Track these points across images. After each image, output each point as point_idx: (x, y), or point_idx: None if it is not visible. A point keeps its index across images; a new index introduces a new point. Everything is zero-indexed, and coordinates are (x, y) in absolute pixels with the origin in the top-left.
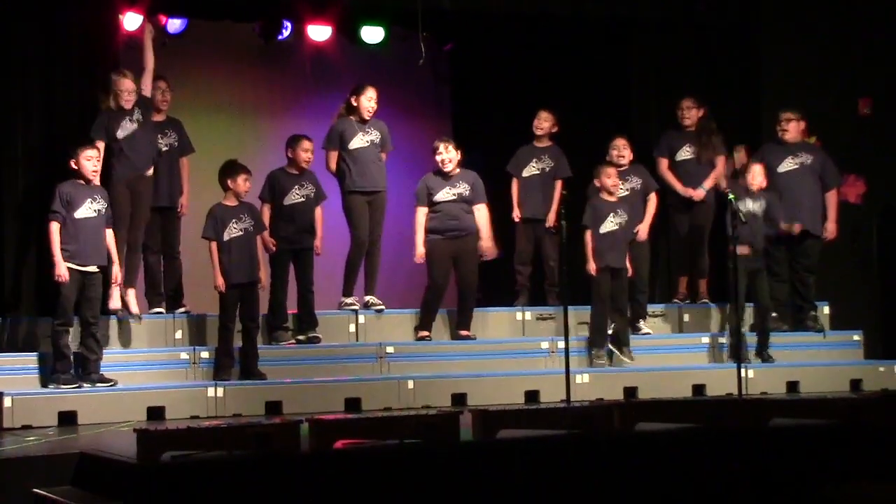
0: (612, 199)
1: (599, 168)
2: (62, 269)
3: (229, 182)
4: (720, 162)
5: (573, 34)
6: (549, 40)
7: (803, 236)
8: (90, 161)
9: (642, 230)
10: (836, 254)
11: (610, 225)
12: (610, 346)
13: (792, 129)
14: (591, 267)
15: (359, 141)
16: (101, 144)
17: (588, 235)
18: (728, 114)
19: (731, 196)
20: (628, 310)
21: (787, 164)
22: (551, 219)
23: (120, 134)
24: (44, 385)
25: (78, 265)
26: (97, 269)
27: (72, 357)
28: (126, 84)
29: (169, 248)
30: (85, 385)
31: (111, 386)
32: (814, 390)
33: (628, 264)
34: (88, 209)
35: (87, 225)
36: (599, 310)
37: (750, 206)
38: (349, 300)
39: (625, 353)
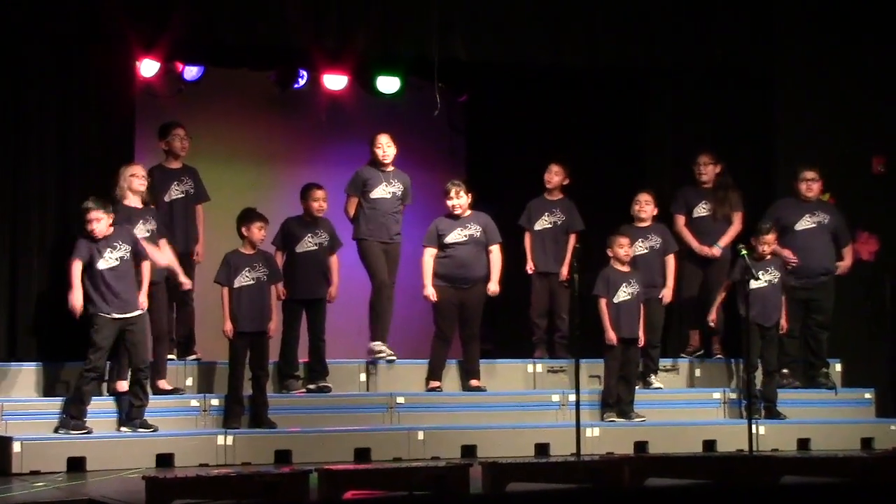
0: (625, 268)
1: (612, 237)
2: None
3: (244, 230)
4: (737, 219)
5: (588, 85)
6: (565, 91)
7: (817, 292)
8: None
9: (667, 294)
10: (848, 311)
11: (622, 295)
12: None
13: (815, 189)
14: (612, 337)
15: (381, 191)
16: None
17: (603, 304)
18: (742, 169)
19: (743, 252)
20: (640, 366)
21: (805, 223)
22: (564, 272)
23: None
24: (58, 429)
25: (114, 316)
26: (134, 315)
27: (88, 404)
28: (136, 169)
29: (182, 294)
30: (125, 429)
31: (153, 432)
32: (825, 448)
33: (641, 334)
34: (111, 259)
35: (112, 275)
36: (610, 380)
37: (762, 280)
38: (378, 347)
39: (631, 416)
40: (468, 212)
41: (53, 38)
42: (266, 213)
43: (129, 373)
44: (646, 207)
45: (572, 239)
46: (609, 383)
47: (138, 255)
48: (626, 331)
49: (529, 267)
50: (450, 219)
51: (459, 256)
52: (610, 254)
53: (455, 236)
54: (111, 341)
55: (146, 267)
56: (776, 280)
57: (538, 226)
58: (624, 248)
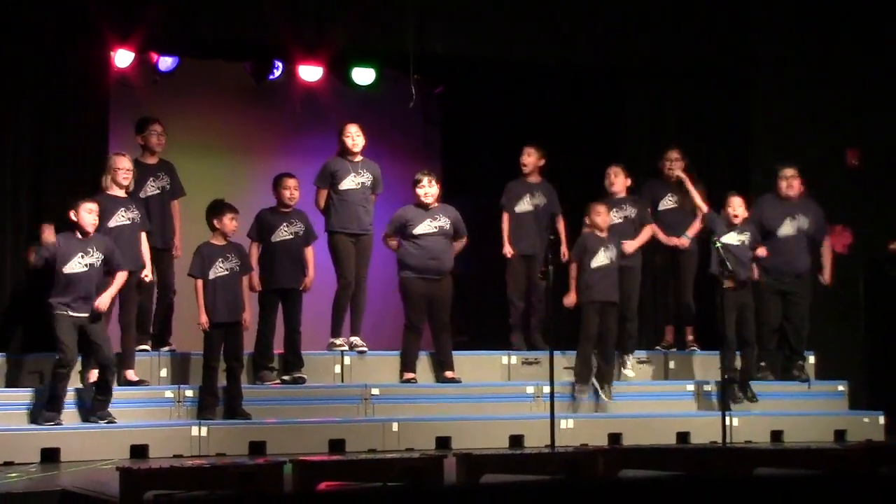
0: (603, 234)
1: (589, 205)
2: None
3: (215, 222)
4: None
5: (565, 81)
6: (540, 87)
7: (795, 285)
8: (91, 214)
9: (629, 244)
10: (821, 304)
11: (601, 259)
12: (594, 381)
13: (796, 186)
14: (571, 299)
15: (349, 182)
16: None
17: (573, 269)
18: (718, 164)
19: (717, 244)
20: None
21: (787, 228)
22: (564, 253)
23: (111, 223)
24: (33, 421)
25: (70, 314)
26: (90, 315)
27: (62, 399)
28: (123, 162)
29: (163, 287)
30: (89, 419)
31: (110, 422)
32: (798, 440)
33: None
34: (79, 264)
35: (77, 279)
36: (586, 347)
37: (734, 238)
38: (338, 341)
39: (605, 390)
40: (436, 203)
41: (28, 29)
42: (241, 204)
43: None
44: (615, 180)
45: (560, 223)
46: (582, 356)
47: (113, 266)
48: (602, 294)
49: (507, 251)
50: (419, 208)
51: (431, 248)
52: (587, 221)
53: (425, 227)
54: (74, 335)
55: (121, 277)
56: (748, 240)
57: (518, 208)
58: (601, 216)
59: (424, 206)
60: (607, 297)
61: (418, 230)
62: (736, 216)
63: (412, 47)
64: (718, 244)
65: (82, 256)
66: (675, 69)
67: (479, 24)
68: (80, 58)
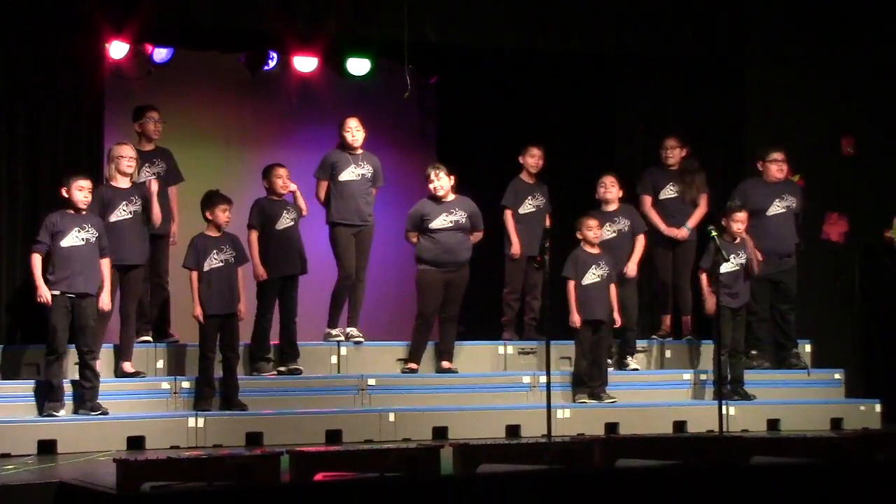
0: (594, 250)
1: (580, 220)
2: (43, 291)
3: (208, 213)
4: (703, 200)
5: (560, 69)
6: (535, 74)
7: (783, 275)
8: (82, 192)
9: (630, 267)
10: (817, 292)
11: (591, 277)
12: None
13: (786, 170)
14: (576, 319)
15: (349, 174)
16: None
17: (571, 287)
18: (713, 152)
19: (713, 233)
20: (613, 347)
21: (776, 208)
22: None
23: (112, 217)
24: (38, 413)
25: (64, 291)
26: (87, 295)
27: (62, 387)
28: (125, 150)
29: (156, 276)
30: (79, 412)
31: (102, 414)
32: (795, 428)
33: (617, 316)
34: (76, 238)
35: (74, 253)
36: (580, 362)
37: (731, 264)
38: (334, 332)
39: (602, 398)
40: (451, 196)
41: (22, 21)
42: (235, 195)
43: (77, 356)
44: (611, 189)
45: (547, 219)
46: (577, 371)
47: (102, 250)
48: (594, 313)
49: (516, 250)
50: (433, 202)
51: (446, 242)
52: (579, 236)
53: (441, 222)
54: (66, 322)
55: (106, 265)
56: (745, 261)
57: (523, 209)
58: (593, 231)
59: (440, 200)
60: (598, 315)
61: (434, 225)
62: (738, 231)
63: (406, 37)
64: (715, 234)
65: (78, 231)
66: (668, 57)
67: (474, 14)
68: (75, 49)
